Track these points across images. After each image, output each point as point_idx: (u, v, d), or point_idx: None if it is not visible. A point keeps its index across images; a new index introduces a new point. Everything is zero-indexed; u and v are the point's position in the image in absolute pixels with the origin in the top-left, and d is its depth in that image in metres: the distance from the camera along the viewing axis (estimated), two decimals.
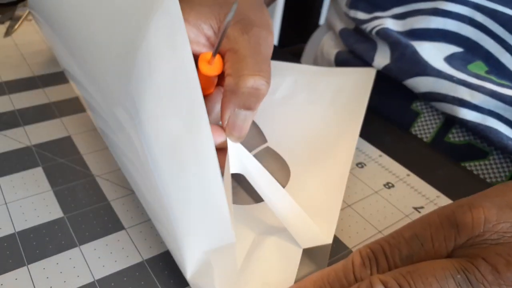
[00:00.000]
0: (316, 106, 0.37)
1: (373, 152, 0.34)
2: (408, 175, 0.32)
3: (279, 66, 0.42)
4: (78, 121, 0.35)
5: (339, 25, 0.49)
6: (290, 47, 0.84)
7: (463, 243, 0.20)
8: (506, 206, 0.20)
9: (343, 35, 0.48)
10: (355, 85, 0.39)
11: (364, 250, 0.21)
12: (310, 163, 0.31)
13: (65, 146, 0.32)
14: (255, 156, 0.30)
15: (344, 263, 0.21)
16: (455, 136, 0.38)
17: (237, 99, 0.26)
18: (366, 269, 0.20)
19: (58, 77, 0.40)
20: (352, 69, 0.41)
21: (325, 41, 0.52)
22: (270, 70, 0.28)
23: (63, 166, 0.30)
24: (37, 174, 0.30)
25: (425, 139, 0.39)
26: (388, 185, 0.31)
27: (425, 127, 0.39)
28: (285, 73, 0.41)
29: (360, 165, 0.33)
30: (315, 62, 0.53)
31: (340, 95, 0.38)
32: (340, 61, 0.47)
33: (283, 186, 0.28)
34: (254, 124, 0.35)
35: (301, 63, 0.59)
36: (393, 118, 0.41)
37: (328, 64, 0.49)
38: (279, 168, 0.31)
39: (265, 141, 0.33)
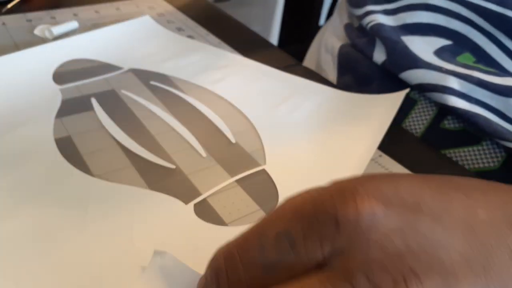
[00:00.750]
0: (332, 128, 0.37)
1: (373, 152, 0.34)
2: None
3: (303, 84, 0.42)
4: (78, 121, 0.35)
5: (345, 20, 0.51)
6: (290, 47, 0.84)
7: (341, 246, 0.15)
8: (395, 197, 0.16)
9: (347, 29, 0.50)
10: (380, 113, 0.38)
11: (214, 258, 0.16)
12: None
13: (65, 146, 0.32)
14: (245, 177, 0.31)
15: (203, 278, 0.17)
16: (450, 123, 0.39)
17: None
18: (215, 284, 0.16)
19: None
20: (380, 97, 0.40)
21: (328, 36, 0.53)
22: None
23: (63, 166, 0.30)
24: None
25: (422, 126, 0.41)
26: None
27: (421, 114, 0.41)
28: (309, 93, 0.41)
29: None
30: (319, 57, 0.54)
31: (361, 123, 0.37)
32: (343, 54, 0.48)
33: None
34: (258, 140, 0.35)
35: (305, 60, 0.60)
36: None
37: (332, 57, 0.51)
38: (266, 194, 0.30)
39: (263, 163, 0.33)
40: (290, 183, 0.31)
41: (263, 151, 0.34)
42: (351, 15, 0.51)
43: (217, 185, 0.30)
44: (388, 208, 0.15)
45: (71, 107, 0.36)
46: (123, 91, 0.39)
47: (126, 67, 0.43)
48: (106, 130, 0.34)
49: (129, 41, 0.48)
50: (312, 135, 0.36)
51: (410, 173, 0.18)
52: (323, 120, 0.37)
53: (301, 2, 1.20)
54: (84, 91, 0.38)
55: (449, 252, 0.15)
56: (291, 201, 0.16)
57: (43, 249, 0.24)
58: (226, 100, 0.39)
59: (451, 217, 0.16)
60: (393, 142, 0.36)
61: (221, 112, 0.38)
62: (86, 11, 0.54)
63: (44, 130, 0.33)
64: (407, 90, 0.39)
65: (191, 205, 0.28)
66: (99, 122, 0.35)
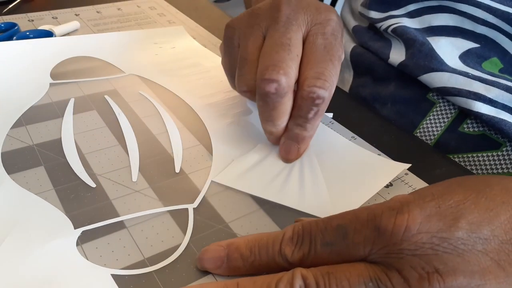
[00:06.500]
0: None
1: (372, 151, 0.34)
2: (406, 174, 0.32)
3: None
4: (80, 120, 0.35)
5: (352, 22, 0.51)
6: None
7: (380, 248, 0.20)
8: (436, 214, 0.20)
9: (357, 32, 0.49)
10: (376, 174, 0.32)
11: (298, 226, 0.22)
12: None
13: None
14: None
15: (279, 232, 0.22)
16: (469, 127, 0.39)
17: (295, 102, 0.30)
18: (292, 244, 0.21)
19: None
20: (382, 161, 0.33)
21: None
22: (331, 74, 0.29)
23: (65, 165, 0.31)
24: (39, 173, 0.30)
25: (440, 128, 0.40)
26: (387, 184, 0.31)
27: (440, 117, 0.40)
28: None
29: None
30: None
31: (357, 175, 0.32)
32: (356, 55, 0.48)
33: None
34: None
35: None
36: (409, 108, 0.42)
37: (344, 58, 0.49)
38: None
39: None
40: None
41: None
42: (359, 16, 0.50)
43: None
44: (424, 224, 0.19)
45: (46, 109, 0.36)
46: (107, 97, 0.38)
47: (127, 72, 0.43)
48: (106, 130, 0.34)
49: (149, 47, 0.47)
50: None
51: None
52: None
53: None
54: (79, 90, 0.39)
55: (479, 257, 0.19)
56: (355, 209, 0.21)
57: None
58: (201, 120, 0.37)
59: (492, 229, 0.19)
60: (397, 145, 0.36)
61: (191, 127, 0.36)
62: (88, 11, 0.55)
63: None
64: (408, 165, 0.32)
65: (78, 230, 0.26)
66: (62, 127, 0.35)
